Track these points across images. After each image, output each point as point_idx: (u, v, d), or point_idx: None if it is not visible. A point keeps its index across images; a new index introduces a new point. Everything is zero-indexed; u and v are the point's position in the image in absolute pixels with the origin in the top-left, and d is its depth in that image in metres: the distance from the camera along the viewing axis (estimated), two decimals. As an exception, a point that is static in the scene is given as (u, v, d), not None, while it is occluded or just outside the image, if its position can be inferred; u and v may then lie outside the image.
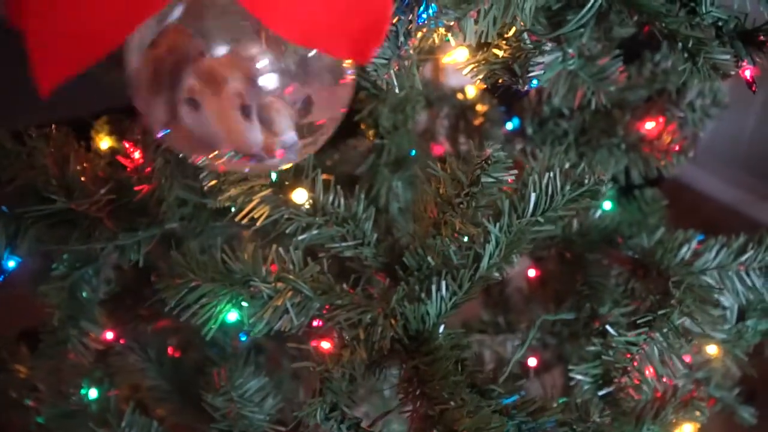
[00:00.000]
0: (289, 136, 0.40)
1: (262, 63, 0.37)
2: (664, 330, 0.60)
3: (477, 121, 1.03)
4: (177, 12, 0.35)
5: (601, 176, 0.56)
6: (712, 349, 0.81)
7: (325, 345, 0.63)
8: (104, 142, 0.84)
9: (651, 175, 0.88)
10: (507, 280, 1.16)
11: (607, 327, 0.60)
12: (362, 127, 0.92)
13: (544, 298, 1.08)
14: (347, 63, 0.42)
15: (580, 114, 0.90)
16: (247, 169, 0.49)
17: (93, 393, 0.79)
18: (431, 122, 1.12)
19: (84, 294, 0.77)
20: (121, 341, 0.80)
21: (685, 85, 0.93)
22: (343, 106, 0.43)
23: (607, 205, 0.96)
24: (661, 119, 0.82)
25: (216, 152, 0.40)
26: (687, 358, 0.74)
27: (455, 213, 0.52)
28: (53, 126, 0.63)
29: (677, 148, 0.80)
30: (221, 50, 0.36)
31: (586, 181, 0.56)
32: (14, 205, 0.63)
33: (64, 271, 0.75)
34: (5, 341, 0.99)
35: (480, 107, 1.04)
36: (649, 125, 0.83)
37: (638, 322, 0.60)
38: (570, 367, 0.68)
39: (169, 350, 0.90)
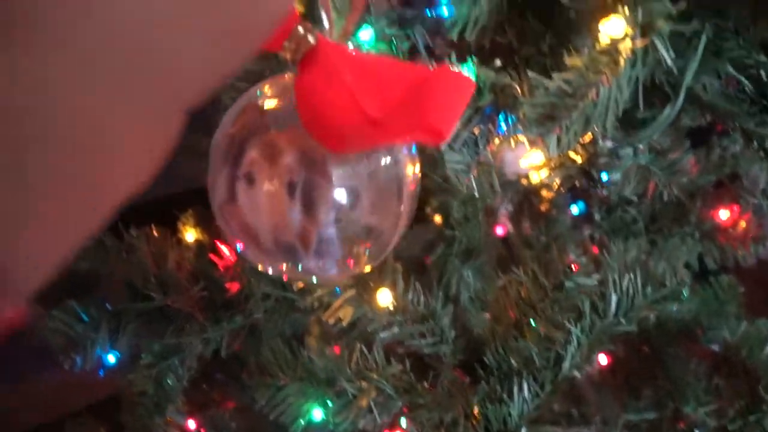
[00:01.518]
0: (329, 229, 0.38)
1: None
2: (757, 433, 0.58)
3: (542, 207, 1.04)
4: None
5: (683, 278, 0.56)
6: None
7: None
8: (190, 234, 0.89)
9: (727, 263, 0.87)
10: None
11: None
12: (428, 212, 0.95)
13: (617, 388, 1.05)
14: (412, 170, 0.40)
15: (649, 202, 0.91)
16: (285, 274, 0.44)
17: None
18: (495, 205, 1.14)
19: (169, 381, 0.80)
20: (202, 430, 0.82)
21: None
22: (400, 218, 0.40)
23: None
24: (735, 207, 0.82)
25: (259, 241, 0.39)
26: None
27: (538, 317, 0.53)
28: (152, 226, 0.67)
29: (754, 236, 0.79)
30: (285, 126, 0.37)
31: (668, 283, 0.56)
32: (114, 301, 0.68)
33: (152, 361, 0.78)
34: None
35: (545, 192, 1.06)
36: (723, 214, 0.83)
37: (730, 429, 0.58)
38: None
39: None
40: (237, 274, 0.65)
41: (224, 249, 0.65)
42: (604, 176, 0.61)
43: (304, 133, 0.36)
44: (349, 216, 0.38)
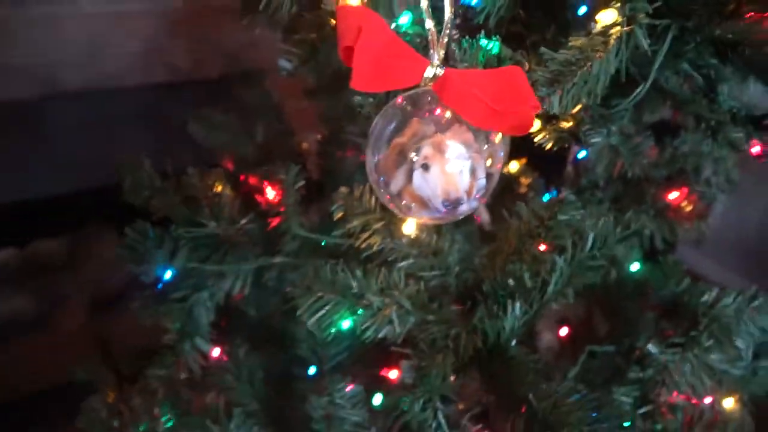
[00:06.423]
0: (482, 180, 0.58)
1: (472, 136, 0.57)
2: (695, 350, 0.74)
3: (521, 191, 1.20)
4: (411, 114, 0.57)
5: (645, 223, 0.71)
6: (728, 403, 0.93)
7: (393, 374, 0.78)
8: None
9: (673, 240, 1.04)
10: (539, 339, 1.29)
11: (649, 346, 0.74)
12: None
13: (576, 355, 1.20)
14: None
15: (613, 185, 1.07)
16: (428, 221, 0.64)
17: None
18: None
19: (198, 315, 0.90)
20: (224, 359, 0.93)
21: (700, 166, 1.10)
22: (501, 162, 0.62)
23: (636, 266, 1.11)
24: (684, 189, 0.99)
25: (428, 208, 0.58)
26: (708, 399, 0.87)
27: (534, 241, 0.67)
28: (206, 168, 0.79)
29: (697, 213, 0.96)
30: (446, 130, 0.56)
31: (632, 225, 0.71)
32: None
33: (185, 293, 0.89)
34: (99, 369, 1.11)
35: (524, 179, 1.21)
36: (673, 195, 0.99)
37: (673, 341, 0.73)
38: (614, 388, 0.81)
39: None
40: (279, 212, 0.77)
41: (269, 189, 0.77)
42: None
43: (460, 130, 0.56)
44: (489, 170, 0.59)
